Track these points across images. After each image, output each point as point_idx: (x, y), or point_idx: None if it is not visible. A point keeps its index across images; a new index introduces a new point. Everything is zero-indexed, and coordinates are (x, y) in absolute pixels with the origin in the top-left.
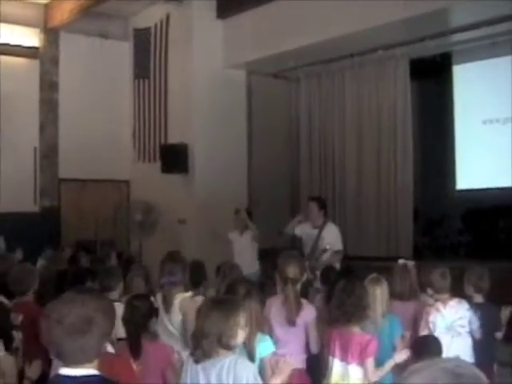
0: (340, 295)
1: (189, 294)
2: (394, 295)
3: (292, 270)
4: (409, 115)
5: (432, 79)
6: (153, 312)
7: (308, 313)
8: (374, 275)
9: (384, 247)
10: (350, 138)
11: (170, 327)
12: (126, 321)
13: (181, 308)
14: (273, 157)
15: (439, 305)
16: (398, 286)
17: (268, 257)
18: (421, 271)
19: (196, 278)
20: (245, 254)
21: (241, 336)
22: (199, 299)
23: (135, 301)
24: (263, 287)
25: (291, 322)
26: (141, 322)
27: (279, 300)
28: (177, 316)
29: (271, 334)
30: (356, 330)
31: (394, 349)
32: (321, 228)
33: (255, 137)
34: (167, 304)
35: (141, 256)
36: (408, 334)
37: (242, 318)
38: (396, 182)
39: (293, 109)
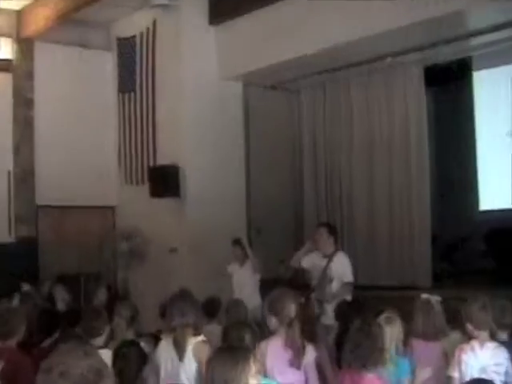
0: (355, 336)
1: (201, 337)
2: (417, 334)
3: (293, 309)
4: (424, 127)
5: (449, 87)
6: (144, 360)
7: (310, 354)
8: (387, 314)
9: (398, 275)
10: (358, 155)
11: (183, 377)
12: (119, 372)
13: (195, 354)
14: (274, 179)
15: (475, 344)
16: (422, 325)
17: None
18: (449, 304)
19: (210, 313)
20: (245, 287)
21: None
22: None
23: (124, 348)
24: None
25: (296, 365)
26: (134, 373)
27: (278, 342)
28: (192, 364)
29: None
30: (370, 375)
31: None
32: (330, 257)
33: (254, 156)
34: (181, 350)
35: (127, 290)
36: (426, 374)
37: (252, 366)
38: (411, 202)
39: (295, 123)
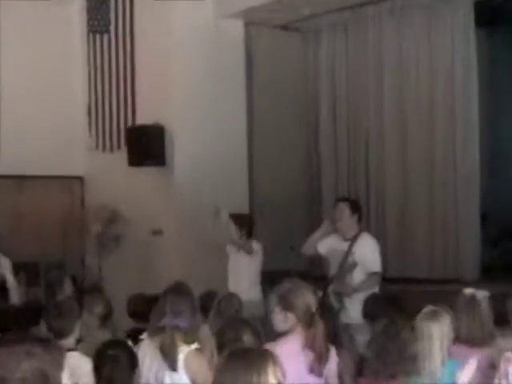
0: (380, 340)
1: (194, 345)
2: (459, 339)
3: (314, 302)
4: (473, 80)
5: (508, 29)
6: (135, 364)
7: (333, 358)
8: (429, 308)
9: (439, 266)
10: (389, 114)
11: None
12: (109, 378)
13: (187, 366)
14: (283, 143)
15: None
16: (465, 328)
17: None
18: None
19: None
20: (242, 274)
21: None
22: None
23: (111, 350)
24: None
25: (317, 372)
26: (127, 378)
27: (296, 343)
28: (182, 377)
29: None
30: None
31: None
32: (352, 240)
33: (258, 114)
34: (171, 359)
35: (99, 282)
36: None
37: (272, 376)
38: (456, 175)
39: (310, 73)
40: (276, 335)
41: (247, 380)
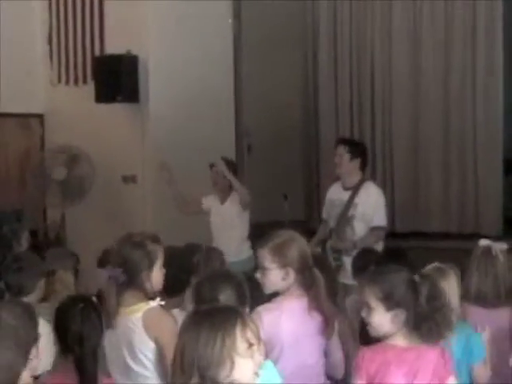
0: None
1: (155, 302)
2: (470, 298)
3: (310, 256)
4: (499, 17)
5: None
6: (102, 324)
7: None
8: (434, 265)
9: (455, 219)
10: (400, 46)
11: (129, 359)
12: (79, 336)
13: (148, 327)
14: (275, 75)
15: None
16: (477, 284)
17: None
18: None
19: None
20: (232, 231)
21: (243, 368)
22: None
23: (79, 305)
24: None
25: (327, 334)
26: (97, 337)
27: (298, 303)
28: (145, 342)
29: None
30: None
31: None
32: (355, 190)
33: (247, 40)
34: (106, 315)
35: (64, 235)
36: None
37: (241, 339)
38: (475, 118)
39: (308, 8)
40: (264, 297)
41: (209, 343)
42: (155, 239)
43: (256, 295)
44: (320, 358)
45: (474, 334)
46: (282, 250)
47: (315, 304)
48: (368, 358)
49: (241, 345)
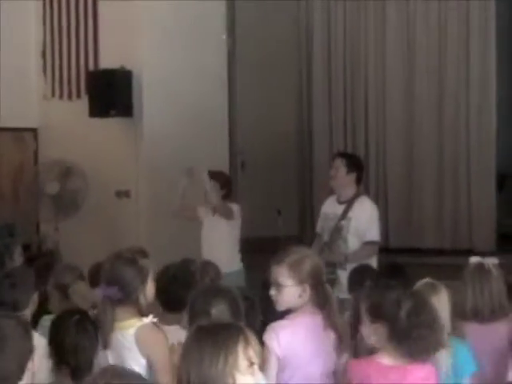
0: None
1: (148, 319)
2: (465, 314)
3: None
4: (491, 27)
5: None
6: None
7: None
8: (426, 281)
9: (449, 235)
10: (393, 66)
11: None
12: (74, 348)
13: (139, 343)
14: (270, 89)
15: None
16: (473, 301)
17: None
18: None
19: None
20: (219, 243)
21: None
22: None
23: (75, 317)
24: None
25: (339, 351)
26: (90, 353)
27: (311, 320)
28: (137, 359)
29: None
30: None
31: None
32: (349, 204)
33: (241, 56)
34: (102, 334)
35: (57, 250)
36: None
37: (243, 357)
38: (469, 134)
39: (302, 16)
40: (276, 314)
41: (213, 363)
42: (144, 253)
43: (251, 313)
44: (332, 376)
45: (463, 349)
46: (299, 267)
47: (329, 321)
48: (353, 370)
49: (242, 363)
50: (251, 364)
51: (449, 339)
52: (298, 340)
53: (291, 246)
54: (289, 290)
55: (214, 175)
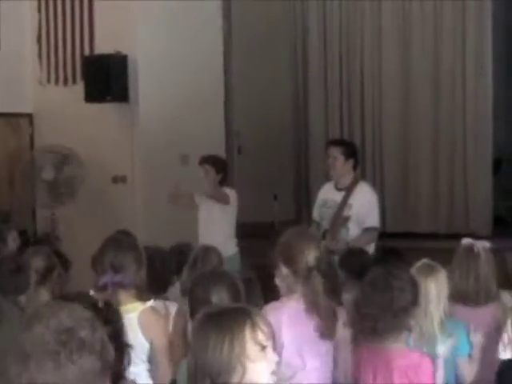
0: (367, 293)
1: (149, 303)
2: (454, 296)
3: (314, 255)
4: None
5: None
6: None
7: (341, 319)
8: (424, 262)
9: (445, 219)
10: (389, 55)
11: None
12: None
13: (142, 326)
14: (264, 79)
15: None
16: (460, 283)
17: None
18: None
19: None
20: (215, 227)
21: (258, 371)
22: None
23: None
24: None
25: (328, 335)
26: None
27: (295, 303)
28: (140, 343)
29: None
30: (397, 345)
31: (456, 376)
32: (348, 190)
33: (237, 46)
34: None
35: (54, 236)
36: (477, 354)
37: (252, 342)
38: (464, 119)
39: (297, 8)
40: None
41: (217, 347)
42: (135, 237)
43: (253, 297)
44: (325, 362)
45: (461, 330)
46: (292, 252)
47: (311, 305)
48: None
49: (252, 348)
50: (263, 348)
51: (446, 321)
52: (281, 325)
53: (285, 230)
54: (286, 276)
55: (210, 160)
